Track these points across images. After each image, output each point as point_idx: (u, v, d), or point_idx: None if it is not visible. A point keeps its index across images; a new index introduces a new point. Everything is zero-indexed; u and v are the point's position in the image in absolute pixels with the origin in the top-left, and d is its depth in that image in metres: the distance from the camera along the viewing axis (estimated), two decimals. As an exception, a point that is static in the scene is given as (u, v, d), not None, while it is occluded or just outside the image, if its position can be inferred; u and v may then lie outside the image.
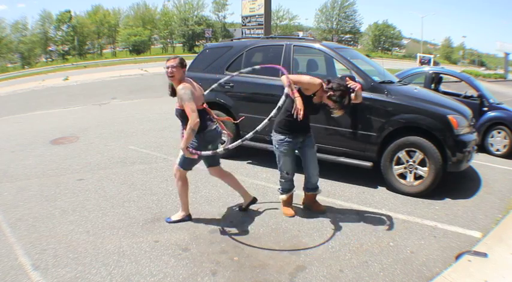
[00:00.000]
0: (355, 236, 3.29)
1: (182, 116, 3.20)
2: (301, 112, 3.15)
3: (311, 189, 3.79)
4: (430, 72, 6.98)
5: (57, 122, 8.51)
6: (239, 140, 3.01)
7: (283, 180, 3.70)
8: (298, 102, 3.19)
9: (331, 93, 3.20)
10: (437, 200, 4.11)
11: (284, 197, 3.75)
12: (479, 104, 6.29)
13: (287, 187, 3.73)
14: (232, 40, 6.15)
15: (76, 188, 4.35)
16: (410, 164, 4.19)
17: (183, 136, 3.16)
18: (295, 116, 3.20)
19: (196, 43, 57.43)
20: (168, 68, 3.16)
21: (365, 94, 4.34)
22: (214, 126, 3.40)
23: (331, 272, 2.76)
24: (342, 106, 3.24)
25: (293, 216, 3.68)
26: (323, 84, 3.30)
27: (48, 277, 2.65)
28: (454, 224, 3.56)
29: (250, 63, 5.29)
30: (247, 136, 2.95)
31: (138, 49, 55.55)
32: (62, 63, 45.31)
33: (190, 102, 3.08)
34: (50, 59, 52.91)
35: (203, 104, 3.33)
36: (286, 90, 3.12)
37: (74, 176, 4.70)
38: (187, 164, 3.37)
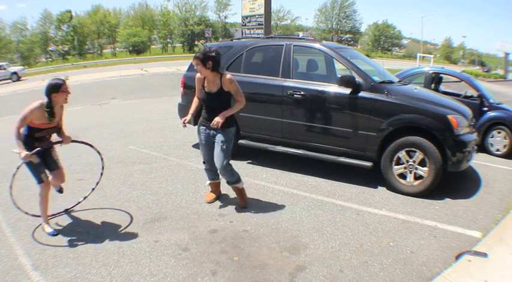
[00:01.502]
0: (355, 236, 3.29)
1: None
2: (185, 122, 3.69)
3: (210, 178, 4.00)
4: (430, 72, 6.98)
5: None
6: None
7: (204, 169, 3.95)
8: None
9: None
10: (437, 200, 4.11)
11: (207, 183, 4.04)
12: (479, 104, 6.29)
13: (209, 177, 3.97)
14: (232, 40, 6.15)
15: (76, 188, 4.34)
16: (410, 164, 4.19)
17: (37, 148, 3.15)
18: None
19: (196, 43, 57.43)
20: (68, 90, 3.16)
21: (365, 94, 4.36)
22: None
23: (331, 272, 2.76)
24: (201, 59, 3.46)
25: (212, 201, 3.96)
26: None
27: (48, 277, 2.65)
28: (454, 224, 3.56)
29: (250, 63, 5.30)
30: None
31: (138, 49, 55.55)
32: (62, 63, 45.32)
33: None
34: (50, 59, 52.93)
35: None
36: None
37: (74, 176, 4.69)
38: None
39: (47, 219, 3.36)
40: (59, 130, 3.36)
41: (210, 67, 3.48)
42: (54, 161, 3.44)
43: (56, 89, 3.07)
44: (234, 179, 3.77)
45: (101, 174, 3.79)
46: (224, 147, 3.62)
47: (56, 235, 3.24)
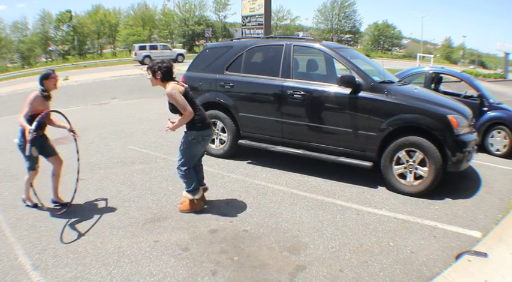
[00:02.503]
0: (355, 236, 3.29)
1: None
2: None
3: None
4: (430, 72, 6.98)
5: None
6: None
7: None
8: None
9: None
10: (437, 200, 4.11)
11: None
12: (479, 104, 6.29)
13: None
14: (232, 40, 6.15)
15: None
16: (410, 164, 4.19)
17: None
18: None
19: (196, 43, 57.39)
20: (56, 77, 3.76)
21: (365, 94, 4.36)
22: None
23: (331, 272, 2.76)
24: (151, 70, 3.52)
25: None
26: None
27: (48, 277, 2.65)
28: (454, 224, 3.56)
29: (250, 63, 5.30)
30: None
31: (138, 49, 55.45)
32: (62, 63, 45.28)
33: None
34: (50, 59, 52.86)
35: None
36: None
37: (74, 176, 4.68)
38: None
39: (28, 195, 3.87)
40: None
41: (159, 77, 3.50)
42: (51, 148, 3.90)
43: (46, 76, 3.73)
44: (186, 187, 3.68)
45: (78, 159, 3.91)
46: (181, 148, 3.65)
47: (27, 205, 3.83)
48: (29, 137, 3.34)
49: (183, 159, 3.62)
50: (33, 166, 3.69)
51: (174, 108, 3.53)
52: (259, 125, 5.11)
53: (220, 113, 5.39)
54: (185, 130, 3.63)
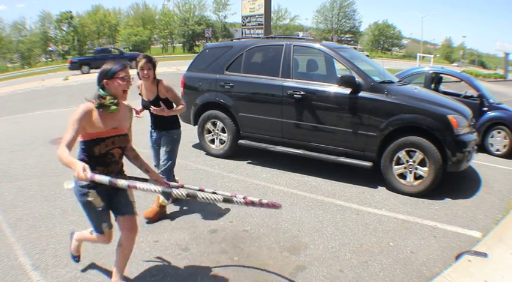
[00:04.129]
0: (355, 236, 3.29)
1: None
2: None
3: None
4: (430, 72, 6.99)
5: (57, 122, 8.50)
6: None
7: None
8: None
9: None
10: (437, 200, 4.11)
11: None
12: (479, 104, 6.30)
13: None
14: (232, 40, 6.15)
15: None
16: (410, 164, 4.19)
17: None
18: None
19: (196, 43, 57.43)
20: (125, 79, 2.26)
21: (365, 94, 4.36)
22: None
23: (331, 272, 2.76)
24: (154, 65, 3.42)
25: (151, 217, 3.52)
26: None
27: (48, 277, 2.65)
28: (454, 224, 3.56)
29: (250, 63, 5.30)
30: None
31: (138, 49, 55.49)
32: (62, 63, 45.27)
33: None
34: (50, 59, 52.90)
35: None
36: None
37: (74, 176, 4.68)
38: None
39: (120, 276, 2.44)
40: (129, 147, 2.51)
41: (154, 75, 3.46)
42: (126, 202, 2.41)
43: (108, 74, 2.19)
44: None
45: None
46: (168, 149, 3.55)
47: None
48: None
49: (170, 161, 3.53)
50: (100, 229, 2.45)
51: (156, 105, 3.44)
52: (259, 125, 5.11)
53: (220, 113, 5.39)
54: (167, 130, 3.57)
